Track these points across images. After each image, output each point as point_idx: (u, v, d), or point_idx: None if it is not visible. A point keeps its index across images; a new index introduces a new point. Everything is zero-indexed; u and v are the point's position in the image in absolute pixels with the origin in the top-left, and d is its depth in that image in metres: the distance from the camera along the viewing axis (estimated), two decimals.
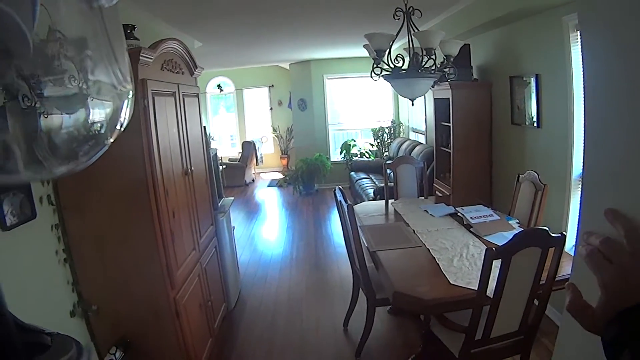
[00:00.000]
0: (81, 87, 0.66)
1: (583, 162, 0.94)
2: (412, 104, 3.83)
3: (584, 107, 0.94)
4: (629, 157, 0.77)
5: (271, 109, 13.71)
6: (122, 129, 0.72)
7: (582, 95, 0.96)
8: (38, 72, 0.61)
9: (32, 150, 0.61)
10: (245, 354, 3.99)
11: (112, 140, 0.70)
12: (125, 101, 0.72)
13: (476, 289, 2.56)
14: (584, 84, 0.93)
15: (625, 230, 0.67)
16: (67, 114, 0.66)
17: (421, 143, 8.11)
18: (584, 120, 0.93)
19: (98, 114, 0.71)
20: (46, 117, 0.62)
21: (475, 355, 2.74)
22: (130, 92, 0.73)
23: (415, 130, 9.38)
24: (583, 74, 0.94)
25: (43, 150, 0.62)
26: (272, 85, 13.50)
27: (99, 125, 0.70)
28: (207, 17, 5.03)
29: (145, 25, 4.14)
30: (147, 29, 4.00)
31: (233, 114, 14.04)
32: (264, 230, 8.13)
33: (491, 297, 2.52)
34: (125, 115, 0.73)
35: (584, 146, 0.94)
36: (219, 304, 4.35)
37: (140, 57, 2.74)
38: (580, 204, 0.92)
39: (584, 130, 0.94)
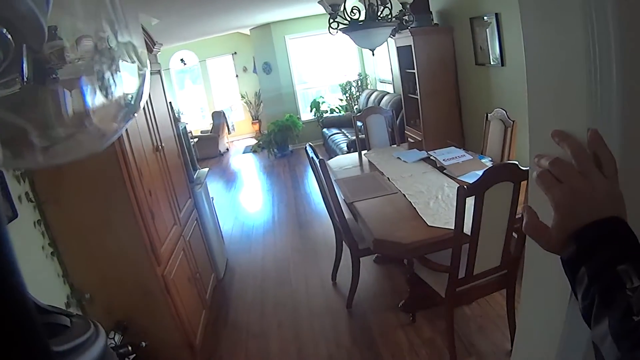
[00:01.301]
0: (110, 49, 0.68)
1: (527, 87, 0.97)
2: (373, 54, 3.84)
3: (523, 34, 0.97)
4: (566, 78, 0.79)
5: (237, 76, 13.52)
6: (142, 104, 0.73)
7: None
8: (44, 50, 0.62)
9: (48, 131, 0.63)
10: (239, 319, 4.06)
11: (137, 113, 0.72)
12: (147, 76, 0.74)
13: (453, 228, 2.62)
14: (522, 25, 0.96)
15: (572, 149, 0.68)
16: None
17: (389, 92, 8.11)
18: (524, 46, 0.96)
19: (129, 82, 0.72)
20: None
21: (462, 294, 2.82)
22: (147, 70, 0.74)
23: (382, 81, 9.36)
24: (521, 16, 0.97)
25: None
26: (235, 53, 13.29)
27: (130, 96, 0.71)
28: None
29: None
30: None
31: (200, 85, 13.83)
32: (243, 197, 8.15)
33: (469, 234, 2.58)
34: (148, 89, 0.74)
35: (526, 71, 0.96)
36: (207, 275, 4.39)
37: None
38: (529, 128, 0.95)
39: (525, 57, 0.96)
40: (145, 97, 0.73)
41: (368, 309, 3.80)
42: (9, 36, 0.50)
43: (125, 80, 0.70)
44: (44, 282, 2.83)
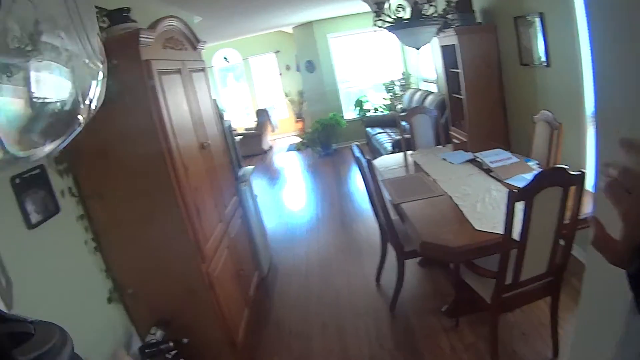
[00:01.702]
0: (23, 49, 0.64)
1: (595, 97, 0.94)
2: (418, 53, 3.81)
3: (590, 42, 0.93)
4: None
5: (280, 74, 13.62)
6: (94, 109, 0.68)
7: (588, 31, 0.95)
8: None
9: None
10: (282, 317, 4.09)
11: (81, 119, 0.67)
12: (94, 81, 0.69)
13: (501, 232, 2.57)
14: (587, 21, 0.92)
15: None
16: (7, 75, 0.63)
17: (433, 92, 8.02)
18: (591, 56, 0.93)
19: (54, 88, 0.67)
20: None
21: (507, 300, 2.78)
22: (100, 73, 0.70)
23: (425, 80, 9.26)
24: (586, 11, 0.93)
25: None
26: (278, 51, 13.38)
27: (58, 104, 0.66)
28: None
29: (141, 6, 4.11)
30: (143, 10, 3.97)
31: (243, 83, 13.98)
32: (287, 195, 8.22)
33: (517, 240, 2.53)
34: (95, 94, 0.69)
35: (594, 80, 0.93)
36: (251, 272, 4.43)
37: (140, 39, 2.71)
38: (596, 137, 0.92)
39: (592, 66, 0.93)
40: (92, 104, 0.68)
41: (411, 312, 3.77)
42: None
43: (49, 84, 0.67)
44: (85, 277, 2.88)
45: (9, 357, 0.46)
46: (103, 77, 0.69)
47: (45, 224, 2.52)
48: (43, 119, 0.65)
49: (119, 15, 2.88)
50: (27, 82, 0.65)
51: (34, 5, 0.63)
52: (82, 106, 0.65)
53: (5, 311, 0.73)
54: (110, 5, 2.94)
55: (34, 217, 2.43)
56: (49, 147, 0.64)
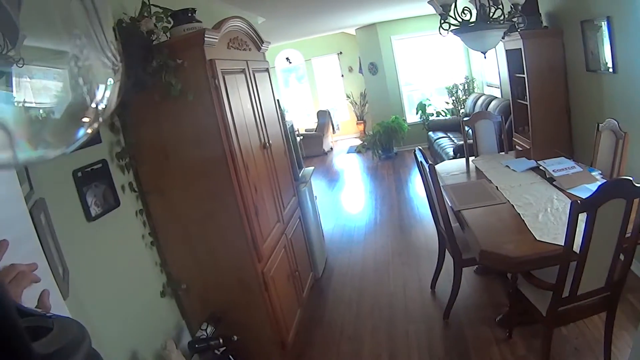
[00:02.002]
0: (4, 55, 0.63)
1: None
2: (485, 57, 3.73)
3: None
4: None
5: (342, 75, 13.65)
6: (107, 113, 0.66)
7: None
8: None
9: None
10: (334, 319, 4.11)
11: (90, 126, 0.64)
12: (102, 86, 0.66)
13: (562, 244, 2.50)
14: None
15: None
16: None
17: (497, 97, 7.84)
18: None
19: (42, 94, 0.66)
20: None
21: (562, 313, 2.69)
22: (111, 80, 0.67)
23: (489, 85, 9.07)
24: None
25: None
26: (341, 52, 13.42)
27: (41, 111, 0.65)
28: None
29: (206, 7, 4.21)
30: (208, 11, 4.08)
31: (305, 84, 14.10)
32: (346, 197, 8.23)
33: (578, 252, 2.46)
34: (102, 98, 0.66)
35: None
36: (306, 273, 4.47)
37: (205, 39, 2.79)
38: None
39: None
40: (99, 106, 0.65)
41: (465, 320, 3.71)
42: None
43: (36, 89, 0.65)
44: (140, 270, 2.99)
45: (28, 350, 0.48)
46: (115, 81, 0.67)
47: (105, 217, 2.61)
48: (31, 125, 0.64)
49: (184, 16, 2.96)
50: (9, 86, 0.64)
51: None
52: (87, 110, 0.63)
53: (24, 306, 0.75)
54: (176, 6, 3.03)
55: (94, 210, 2.52)
56: (52, 153, 0.64)
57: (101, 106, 0.64)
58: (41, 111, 0.65)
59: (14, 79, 0.64)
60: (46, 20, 0.64)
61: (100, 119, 0.64)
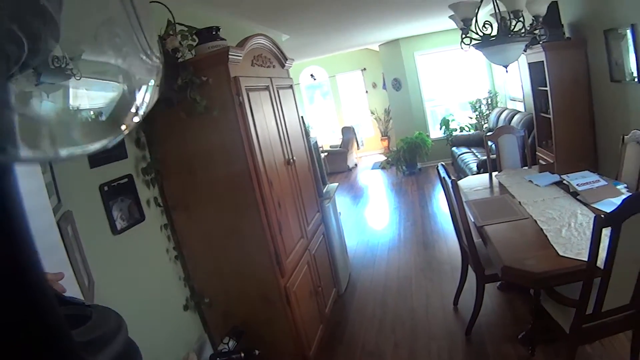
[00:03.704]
0: (63, 68, 0.67)
1: None
2: (507, 71, 3.72)
3: None
4: None
5: (366, 92, 13.69)
6: (140, 118, 0.70)
7: None
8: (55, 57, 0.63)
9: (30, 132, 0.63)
10: (356, 335, 4.08)
11: (125, 129, 0.69)
12: (144, 86, 0.69)
13: (586, 259, 2.46)
14: None
15: None
16: (47, 93, 0.66)
17: (520, 111, 7.78)
18: None
19: (91, 98, 0.70)
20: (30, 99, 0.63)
21: (587, 331, 2.64)
22: (152, 80, 0.70)
23: (512, 99, 9.00)
24: None
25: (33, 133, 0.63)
26: (365, 69, 13.48)
27: (91, 112, 0.68)
28: (289, 11, 5.13)
29: (230, 25, 4.29)
30: (232, 29, 4.15)
31: (329, 101, 14.17)
32: (370, 213, 8.20)
33: (602, 268, 2.42)
34: (142, 101, 0.69)
35: None
36: (329, 289, 4.47)
37: (230, 56, 2.84)
38: None
39: None
40: (132, 110, 0.69)
41: (487, 337, 3.65)
42: (20, 34, 0.50)
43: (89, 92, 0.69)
44: (164, 284, 3.03)
45: (67, 338, 0.50)
46: (156, 83, 0.69)
47: (130, 230, 2.68)
48: (79, 126, 0.68)
49: (208, 34, 3.02)
50: (65, 98, 0.69)
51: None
52: (127, 113, 0.66)
53: (64, 295, 0.76)
54: (201, 24, 3.09)
55: (120, 224, 2.59)
56: (92, 147, 0.67)
57: (142, 105, 0.67)
58: (92, 113, 0.68)
59: (70, 90, 0.69)
60: (90, 27, 0.66)
61: (140, 117, 0.67)
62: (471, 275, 3.80)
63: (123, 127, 0.65)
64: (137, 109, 0.66)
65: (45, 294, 0.46)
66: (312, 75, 13.42)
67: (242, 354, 2.92)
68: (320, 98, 14.50)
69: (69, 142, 0.60)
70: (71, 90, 0.69)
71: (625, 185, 3.61)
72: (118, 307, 2.37)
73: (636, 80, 3.94)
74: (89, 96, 0.69)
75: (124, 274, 2.60)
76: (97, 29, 0.64)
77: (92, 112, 0.68)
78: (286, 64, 4.11)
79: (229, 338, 3.06)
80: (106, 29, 0.65)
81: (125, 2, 0.64)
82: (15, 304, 0.43)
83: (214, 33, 3.05)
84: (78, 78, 0.68)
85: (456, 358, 3.52)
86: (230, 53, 2.85)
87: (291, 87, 4.20)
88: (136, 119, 0.64)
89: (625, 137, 3.79)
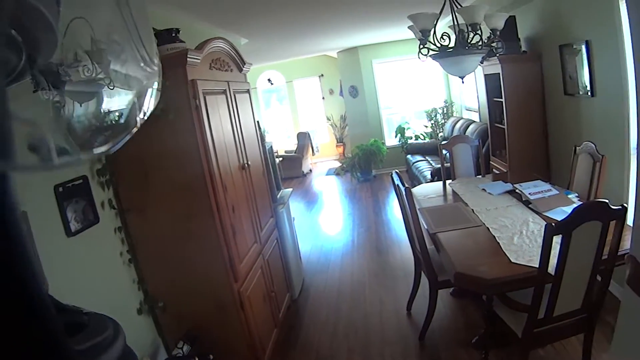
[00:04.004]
0: (94, 78, 0.69)
1: (638, 132, 0.92)
2: (462, 82, 3.78)
3: (635, 74, 0.92)
4: None
5: (323, 98, 13.74)
6: (145, 118, 0.74)
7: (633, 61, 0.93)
8: (54, 64, 0.65)
9: (63, 138, 0.63)
10: (310, 340, 4.07)
11: (135, 129, 0.71)
12: (150, 90, 0.73)
13: (537, 266, 2.51)
14: (632, 50, 0.91)
15: None
16: (79, 102, 0.69)
17: (475, 121, 7.96)
18: (636, 88, 0.92)
19: (114, 103, 0.72)
20: (62, 106, 0.66)
21: (539, 335, 2.70)
22: (155, 83, 0.74)
23: (468, 109, 9.20)
24: (632, 40, 0.92)
25: (63, 138, 0.65)
26: (322, 75, 13.53)
27: (116, 114, 0.71)
28: (249, 15, 5.10)
29: (190, 27, 4.23)
30: (191, 31, 4.10)
31: (286, 106, 14.15)
32: (324, 219, 8.21)
33: (553, 274, 2.47)
34: (148, 104, 0.74)
35: (638, 116, 0.92)
36: (282, 294, 4.44)
37: (188, 59, 2.81)
38: (638, 174, 0.91)
39: (637, 100, 0.92)
40: (140, 116, 0.73)
41: (440, 342, 3.70)
42: (20, 38, 0.51)
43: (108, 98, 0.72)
44: (117, 287, 2.95)
45: (64, 346, 0.48)
46: (158, 87, 0.74)
47: (84, 232, 2.61)
48: (103, 130, 0.71)
49: (168, 35, 2.97)
50: (99, 106, 0.73)
51: (89, 23, 0.68)
52: (137, 117, 0.71)
53: (62, 302, 0.76)
54: (160, 26, 3.03)
55: (74, 226, 2.52)
56: (99, 149, 0.71)
57: (148, 108, 0.72)
58: (117, 114, 0.73)
59: (105, 98, 0.73)
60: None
61: (138, 125, 0.72)
62: (424, 281, 3.84)
63: (134, 129, 0.69)
64: (144, 111, 0.70)
65: (43, 301, 0.46)
66: (269, 80, 13.37)
67: (196, 359, 2.88)
68: (276, 103, 14.47)
69: (88, 146, 0.63)
70: (105, 96, 0.72)
71: (577, 194, 3.72)
72: None
73: (589, 94, 4.07)
74: (115, 101, 0.73)
75: (77, 277, 2.53)
76: (105, 37, 0.67)
77: (117, 114, 0.72)
78: (244, 68, 4.08)
79: (183, 342, 3.01)
80: (107, 37, 0.68)
81: (124, 10, 0.66)
82: (14, 311, 0.42)
83: (173, 35, 3.00)
84: (112, 88, 0.72)
85: None
86: (188, 56, 2.81)
87: (248, 91, 4.17)
88: (141, 120, 0.68)
89: (578, 148, 3.91)
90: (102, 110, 0.72)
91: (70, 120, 0.69)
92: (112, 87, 0.71)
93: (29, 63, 0.56)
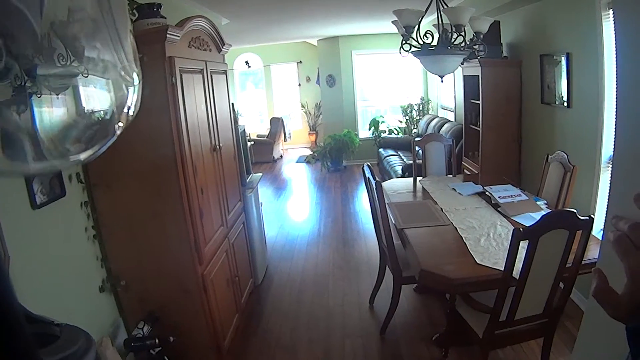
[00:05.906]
0: (70, 66, 0.67)
1: (614, 145, 0.92)
2: (442, 81, 3.79)
3: (616, 89, 0.92)
4: None
5: (299, 85, 13.68)
6: (133, 116, 0.72)
7: (615, 76, 0.93)
8: (28, 51, 0.62)
9: (38, 140, 0.63)
10: (271, 328, 4.05)
11: (121, 126, 0.71)
12: (132, 88, 0.73)
13: (502, 269, 2.54)
14: (616, 65, 0.91)
15: None
16: (55, 93, 0.66)
17: (450, 121, 8.02)
18: (616, 103, 0.91)
19: (97, 99, 0.70)
20: (39, 97, 0.63)
21: (499, 337, 2.75)
22: (136, 79, 0.73)
23: (444, 108, 9.27)
24: (616, 54, 0.91)
25: (44, 140, 0.64)
26: (300, 62, 13.46)
27: (101, 112, 0.69)
28: None
29: (172, 3, 4.14)
30: (173, 7, 4.01)
31: (261, 90, 14.05)
32: (291, 206, 8.19)
33: (517, 278, 2.50)
34: (132, 101, 0.73)
35: (615, 129, 0.92)
36: (246, 279, 4.42)
37: (167, 35, 2.74)
38: (610, 187, 0.90)
39: (615, 113, 0.92)
40: (126, 114, 0.73)
41: (401, 337, 3.73)
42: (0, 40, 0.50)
43: (94, 96, 0.70)
44: (80, 263, 2.89)
45: (35, 357, 0.46)
46: (139, 82, 0.73)
47: (50, 205, 2.54)
48: (86, 128, 0.69)
49: (149, 10, 2.90)
50: (77, 97, 0.70)
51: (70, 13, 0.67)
52: (121, 114, 0.69)
53: (34, 313, 0.75)
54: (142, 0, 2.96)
55: (39, 198, 2.45)
56: (84, 155, 0.68)
57: (132, 110, 0.71)
58: (102, 113, 0.72)
59: (80, 89, 0.71)
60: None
61: (129, 122, 0.71)
62: (388, 275, 3.86)
63: (120, 124, 0.69)
64: (129, 108, 0.69)
65: (14, 312, 0.43)
66: (247, 63, 13.22)
67: (157, 340, 2.85)
68: (252, 86, 14.33)
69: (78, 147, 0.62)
70: (81, 91, 0.70)
71: (546, 202, 3.78)
72: (33, 284, 2.23)
73: (565, 104, 4.13)
74: (98, 97, 0.71)
75: (41, 251, 2.46)
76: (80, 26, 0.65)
77: (102, 112, 0.70)
78: (223, 49, 4.01)
79: (144, 323, 2.97)
80: (86, 30, 0.66)
81: (103, 5, 0.65)
82: None
83: (155, 10, 2.93)
84: (86, 75, 0.68)
85: (370, 356, 3.56)
86: (168, 32, 2.74)
87: (225, 72, 4.10)
88: (129, 117, 0.68)
89: (550, 156, 3.96)
90: (83, 106, 0.70)
91: (50, 123, 0.67)
92: (86, 75, 0.68)
93: (4, 50, 0.54)
